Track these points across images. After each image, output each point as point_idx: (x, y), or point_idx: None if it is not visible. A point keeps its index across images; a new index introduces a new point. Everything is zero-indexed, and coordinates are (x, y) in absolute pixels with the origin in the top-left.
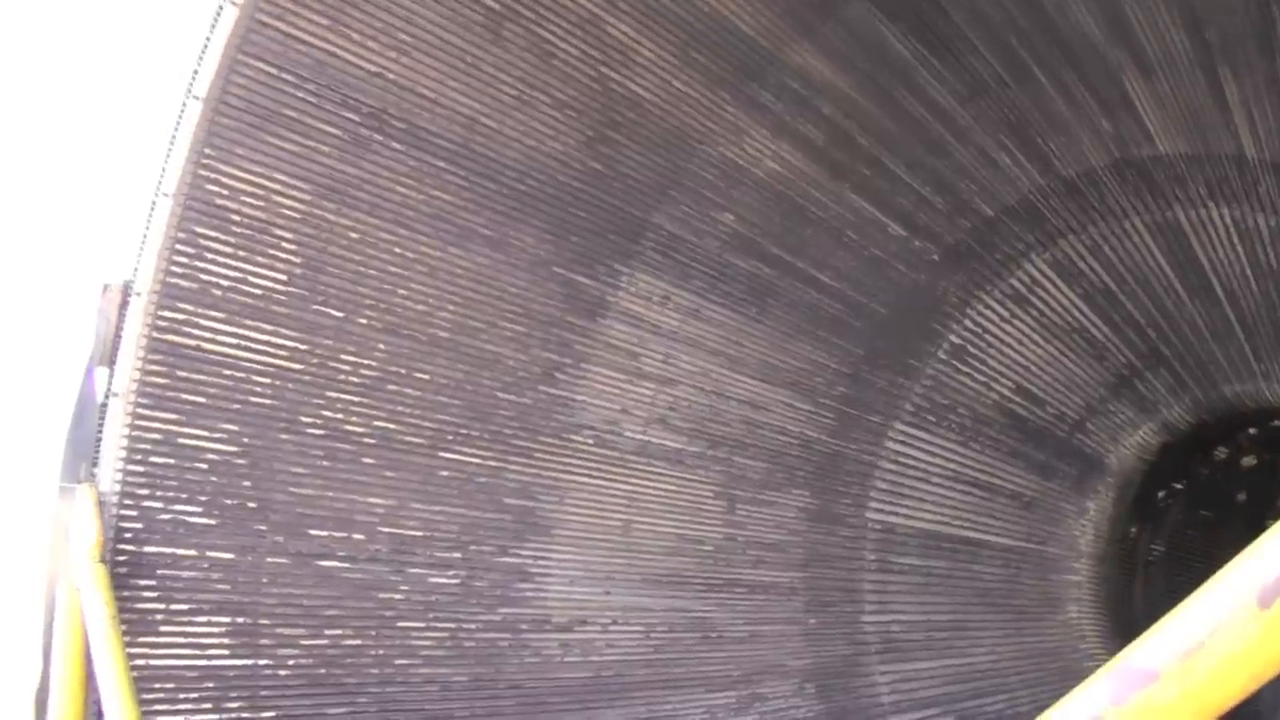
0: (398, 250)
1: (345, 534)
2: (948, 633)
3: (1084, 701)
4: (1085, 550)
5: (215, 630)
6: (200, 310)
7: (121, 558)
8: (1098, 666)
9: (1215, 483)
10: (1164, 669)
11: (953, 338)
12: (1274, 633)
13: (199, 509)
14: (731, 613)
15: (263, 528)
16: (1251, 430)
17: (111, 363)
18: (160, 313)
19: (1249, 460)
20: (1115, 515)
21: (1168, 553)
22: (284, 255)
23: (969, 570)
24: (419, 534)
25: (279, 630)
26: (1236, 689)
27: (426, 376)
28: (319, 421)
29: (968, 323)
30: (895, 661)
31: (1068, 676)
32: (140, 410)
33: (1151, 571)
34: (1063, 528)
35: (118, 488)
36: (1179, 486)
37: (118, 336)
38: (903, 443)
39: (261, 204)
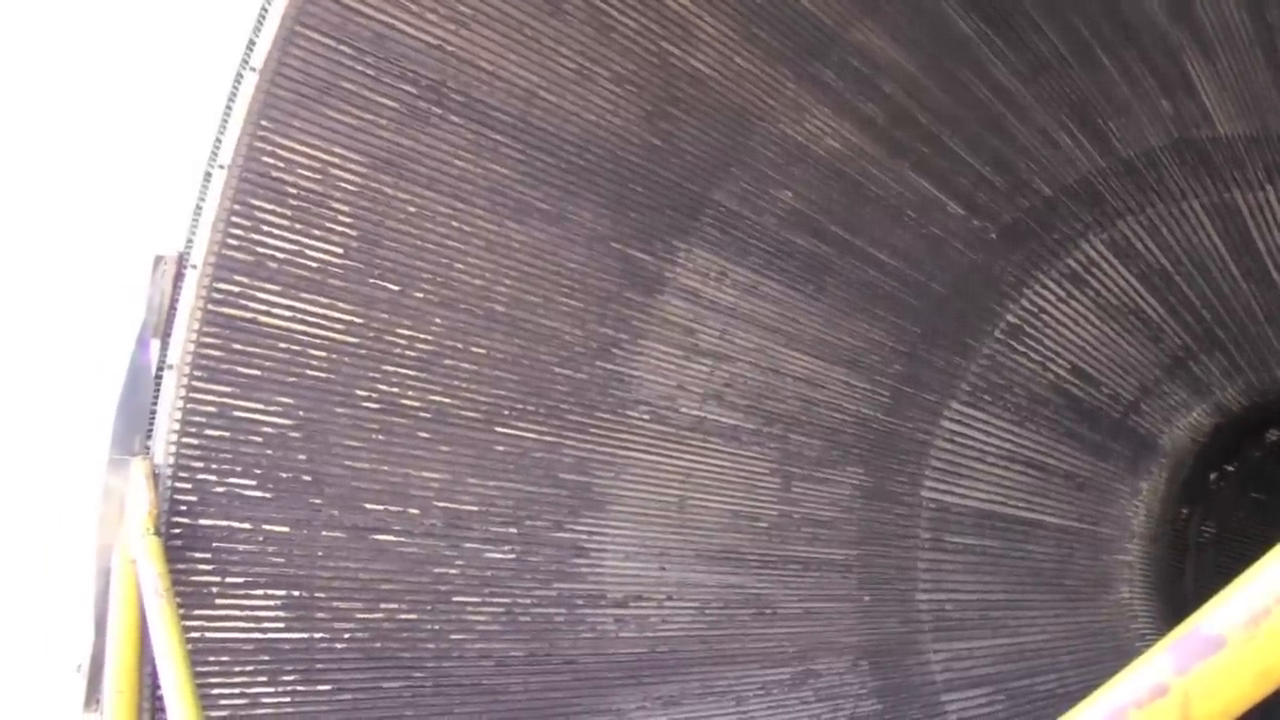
0: (455, 224)
1: (400, 508)
2: (1001, 611)
3: (1149, 670)
4: (1137, 531)
5: (270, 603)
6: (256, 283)
7: (176, 530)
8: (1148, 647)
9: (1266, 465)
10: (1230, 635)
11: (1010, 317)
12: None
13: (254, 482)
14: (786, 589)
15: (318, 501)
16: None
17: (166, 335)
18: (216, 285)
19: None
20: (1167, 496)
21: (1218, 534)
22: (340, 228)
23: (1022, 550)
24: (474, 509)
25: (334, 604)
26: None
27: (483, 351)
28: (374, 395)
29: (1024, 302)
30: (948, 640)
31: (1119, 656)
32: (195, 383)
33: (1202, 552)
34: (1115, 508)
35: (172, 460)
36: (1230, 468)
37: (172, 309)
38: (958, 422)
39: (318, 177)
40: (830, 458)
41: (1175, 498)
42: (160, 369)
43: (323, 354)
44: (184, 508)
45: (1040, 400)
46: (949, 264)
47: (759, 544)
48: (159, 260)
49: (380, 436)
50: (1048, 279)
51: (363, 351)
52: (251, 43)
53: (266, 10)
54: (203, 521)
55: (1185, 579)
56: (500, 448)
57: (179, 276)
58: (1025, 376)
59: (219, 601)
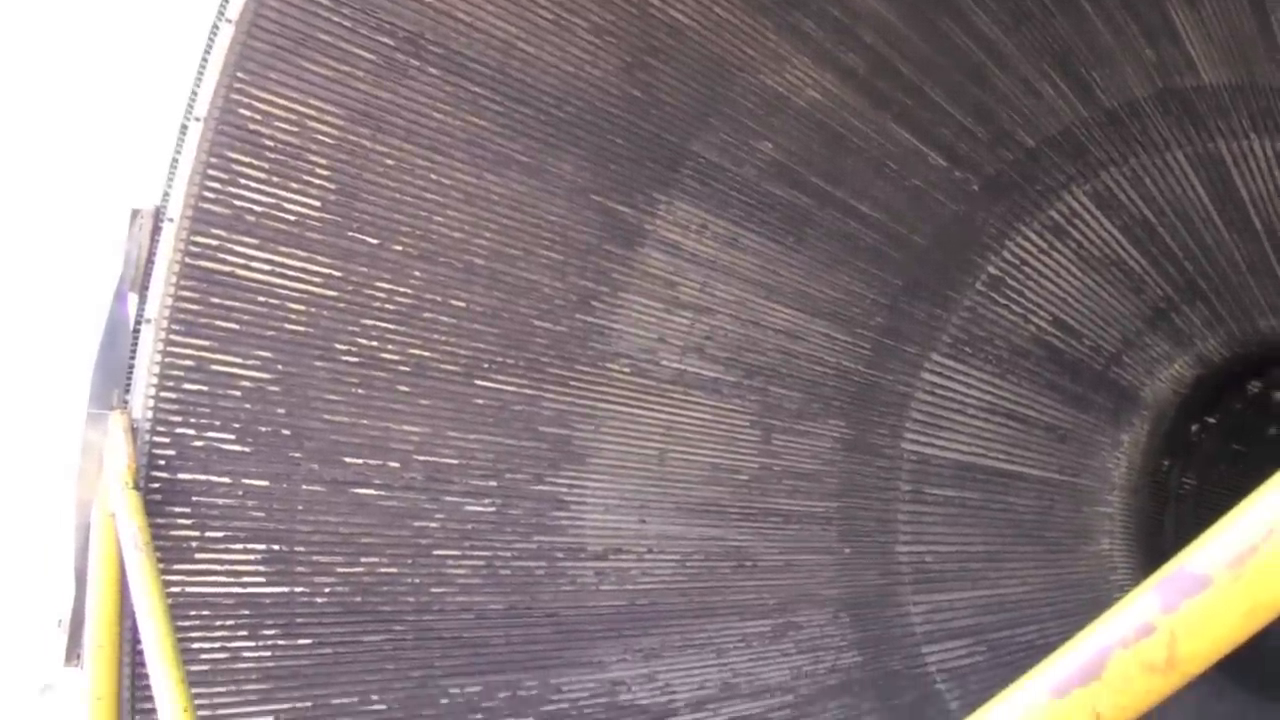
0: (433, 177)
1: (380, 462)
2: (981, 563)
3: (1135, 609)
4: (1118, 483)
5: (251, 557)
6: (233, 236)
7: (155, 485)
8: None
9: (1247, 417)
10: (1216, 573)
11: (991, 269)
12: None
13: (233, 436)
14: (766, 542)
15: (297, 455)
16: None
17: (143, 289)
18: (193, 239)
19: None
20: (1148, 448)
21: (1199, 486)
22: (318, 181)
23: (1003, 502)
24: (454, 462)
25: (315, 558)
26: None
27: (462, 304)
28: (354, 349)
29: (1006, 254)
30: (928, 592)
31: (1099, 607)
32: (173, 337)
33: (1182, 504)
34: (1096, 460)
35: (150, 414)
36: (1212, 420)
37: (149, 262)
38: (939, 374)
39: (295, 129)
40: (811, 410)
41: (1156, 450)
42: (138, 323)
43: (301, 308)
44: (163, 462)
45: (1021, 352)
46: (930, 216)
47: (739, 497)
48: (135, 214)
49: (360, 390)
50: (1030, 231)
51: (341, 305)
52: None
53: None
54: (182, 476)
55: (1165, 531)
56: (480, 401)
57: (156, 230)
58: (1006, 329)
59: (199, 556)
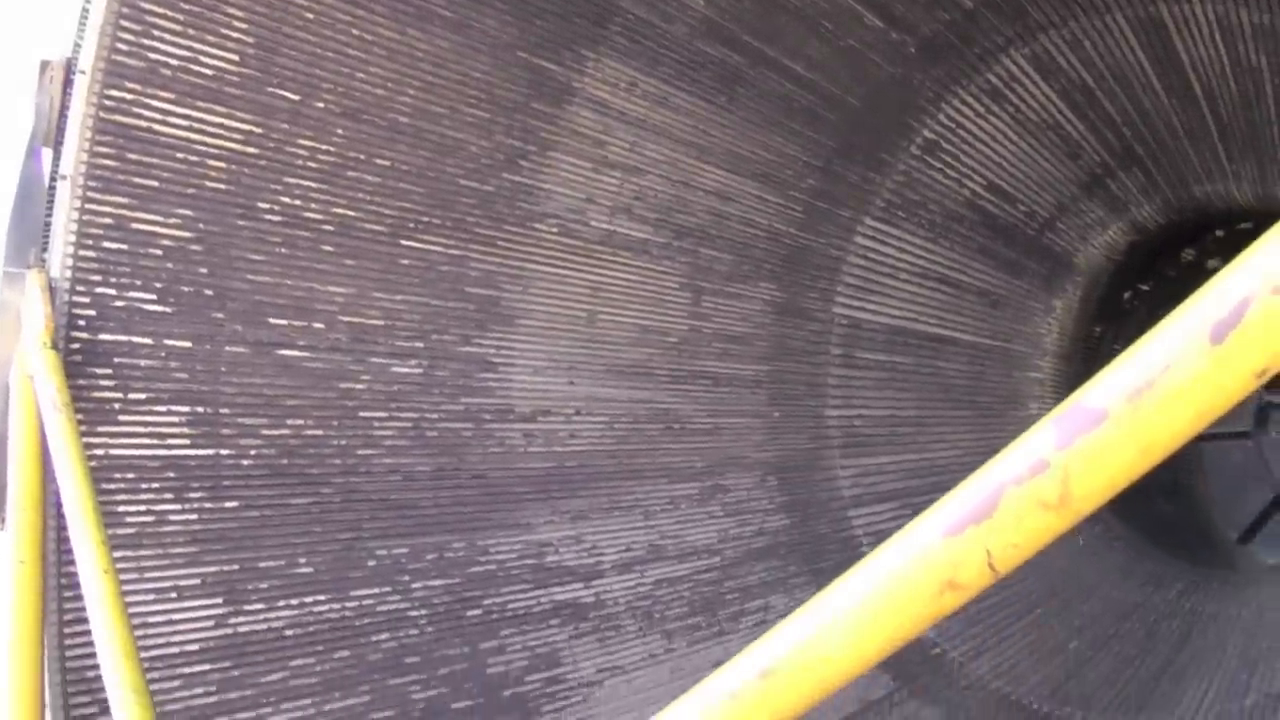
0: (355, 32)
1: (305, 323)
2: (910, 428)
3: (1029, 446)
4: (1049, 348)
5: (175, 419)
6: (149, 90)
7: (75, 346)
8: None
9: (1181, 285)
10: (1112, 408)
11: (927, 133)
12: (1225, 368)
13: (154, 296)
14: (695, 404)
15: (220, 316)
16: (1219, 233)
17: (57, 144)
18: (106, 92)
19: (1214, 263)
20: (1081, 314)
21: None
22: (235, 34)
23: (933, 366)
24: (380, 323)
25: (240, 420)
26: (1185, 426)
27: (387, 163)
28: (276, 208)
29: (942, 118)
30: (857, 455)
31: None
32: (90, 194)
33: None
34: (1028, 326)
35: (69, 274)
36: (1145, 288)
37: (63, 116)
38: (872, 238)
39: None
40: (741, 273)
41: (1089, 316)
42: (53, 179)
43: (222, 165)
44: (82, 322)
45: (955, 217)
46: (866, 78)
47: (668, 359)
48: (45, 66)
49: (283, 250)
50: (967, 94)
51: (263, 163)
52: None
53: None
54: (103, 336)
55: None
56: (406, 261)
57: (68, 83)
58: (941, 193)
59: (122, 418)
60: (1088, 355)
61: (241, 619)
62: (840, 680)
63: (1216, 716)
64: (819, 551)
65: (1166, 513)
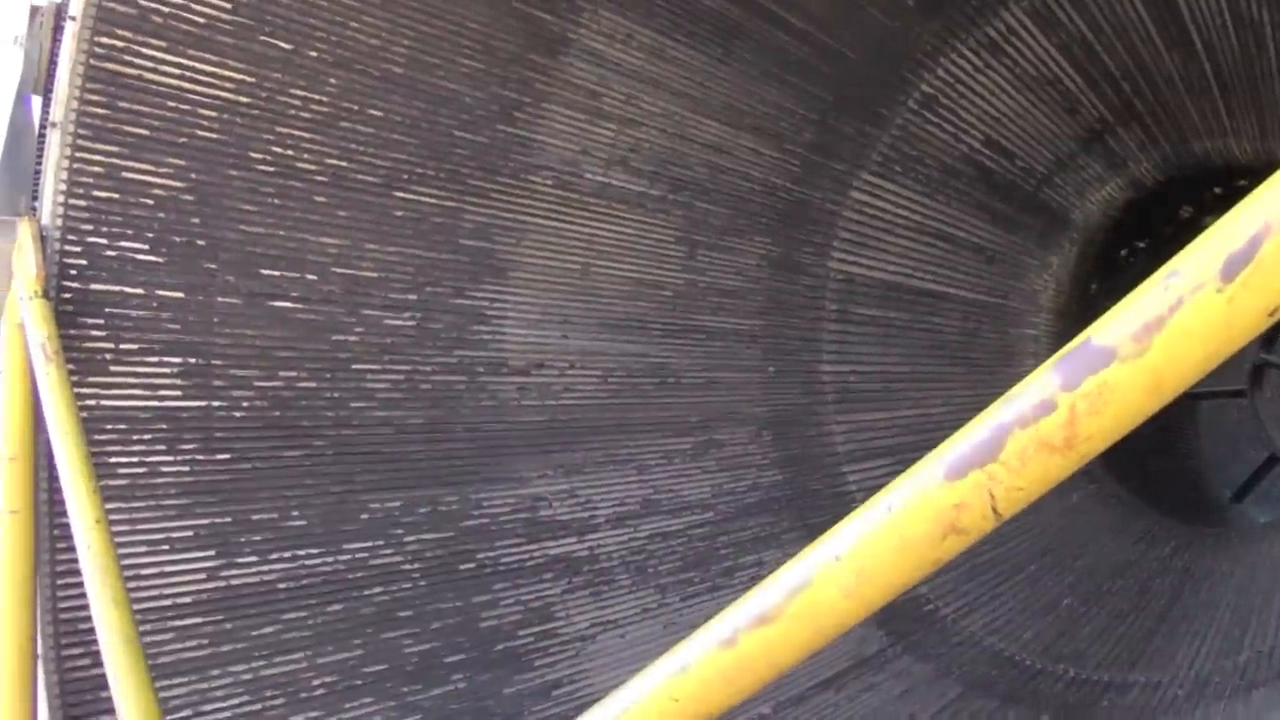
0: None
1: (298, 274)
2: (905, 383)
3: (1036, 386)
4: (1045, 305)
5: (167, 371)
6: (140, 38)
7: (66, 295)
8: None
9: (1178, 241)
10: (1119, 347)
11: (924, 87)
12: (1235, 306)
13: (146, 246)
14: (690, 359)
15: (212, 266)
16: (1217, 189)
17: (47, 91)
18: (97, 39)
19: (1211, 220)
20: (1077, 271)
21: None
22: None
23: (928, 322)
24: (373, 275)
25: (232, 372)
26: (1195, 366)
27: (380, 114)
28: (269, 158)
29: (940, 72)
30: (851, 411)
31: None
32: (81, 142)
33: None
34: (1024, 282)
35: (60, 222)
36: (1142, 245)
37: (53, 63)
38: (868, 193)
39: None
40: (737, 226)
41: (1085, 273)
42: (44, 127)
43: (214, 114)
44: (74, 271)
45: (952, 172)
46: (864, 30)
47: (663, 312)
48: (35, 11)
49: (276, 200)
50: (965, 48)
51: (255, 112)
52: None
53: None
54: (94, 286)
55: None
56: (399, 213)
57: (58, 29)
58: (938, 148)
59: (113, 369)
60: (1083, 312)
61: (234, 571)
62: (838, 629)
63: (1209, 673)
64: (812, 507)
65: (1160, 471)
